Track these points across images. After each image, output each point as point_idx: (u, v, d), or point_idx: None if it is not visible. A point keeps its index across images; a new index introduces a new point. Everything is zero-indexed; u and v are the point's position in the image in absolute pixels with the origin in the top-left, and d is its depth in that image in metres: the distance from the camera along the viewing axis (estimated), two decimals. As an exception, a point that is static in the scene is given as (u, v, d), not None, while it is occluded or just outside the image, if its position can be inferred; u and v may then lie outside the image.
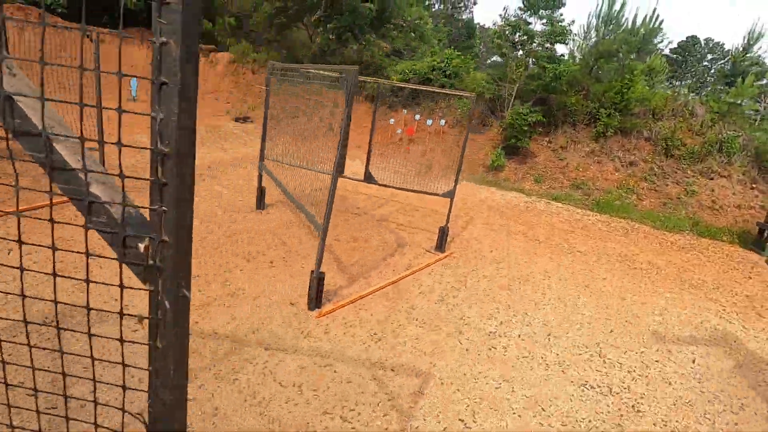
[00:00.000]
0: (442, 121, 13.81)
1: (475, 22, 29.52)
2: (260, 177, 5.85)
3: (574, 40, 11.65)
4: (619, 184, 11.06)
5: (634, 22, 11.60)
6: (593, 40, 12.32)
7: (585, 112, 12.38)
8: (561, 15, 10.89)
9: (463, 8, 35.47)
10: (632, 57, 11.68)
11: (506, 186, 10.91)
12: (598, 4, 13.30)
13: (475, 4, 35.58)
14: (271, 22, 17.26)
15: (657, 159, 11.35)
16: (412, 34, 17.12)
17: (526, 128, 11.60)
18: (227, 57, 20.86)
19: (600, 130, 11.99)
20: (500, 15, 10.72)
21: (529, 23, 11.30)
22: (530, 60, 11.59)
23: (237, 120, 14.80)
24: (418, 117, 14.37)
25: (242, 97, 18.33)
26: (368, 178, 5.56)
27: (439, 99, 15.20)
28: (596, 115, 12.15)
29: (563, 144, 12.38)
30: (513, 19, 11.30)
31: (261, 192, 5.80)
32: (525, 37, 11.31)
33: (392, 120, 14.45)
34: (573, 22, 10.67)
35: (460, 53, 15.40)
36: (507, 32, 11.10)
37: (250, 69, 19.84)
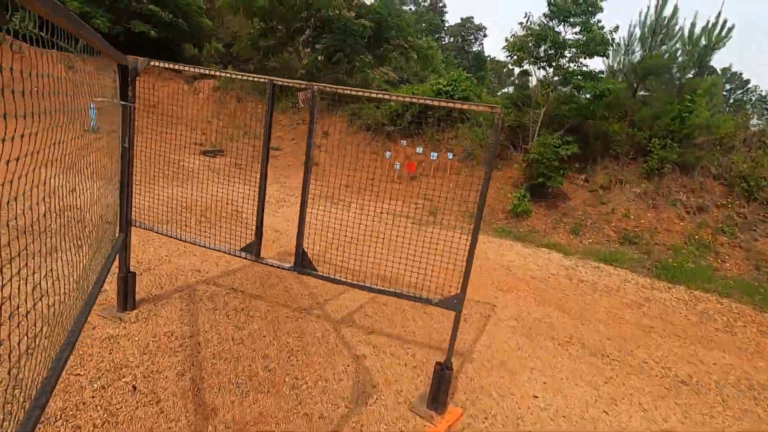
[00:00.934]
0: (450, 154, 11.40)
1: (486, 54, 28.13)
2: (123, 252, 3.40)
3: (616, 49, 9.30)
4: (687, 237, 8.34)
5: (692, 30, 9.23)
6: (637, 53, 9.94)
7: (631, 142, 9.87)
8: (599, 22, 8.71)
9: (473, 40, 34.37)
10: (691, 74, 9.23)
11: (535, 239, 8.28)
12: (642, 12, 11.16)
13: (485, 36, 34.48)
14: (257, 45, 15.50)
15: (735, 203, 8.65)
16: (415, 56, 15.14)
17: (556, 163, 9.11)
18: (211, 84, 19.32)
19: (653, 165, 9.41)
20: (520, 23, 8.86)
21: (558, 32, 9.06)
22: (558, 78, 9.26)
23: (206, 153, 12.70)
24: (420, 150, 12.02)
25: (221, 127, 16.42)
26: (302, 262, 3.04)
27: (445, 127, 12.91)
28: (647, 147, 9.62)
29: (605, 183, 9.80)
30: (536, 27, 9.09)
31: (126, 279, 3.37)
32: (552, 51, 9.02)
33: (389, 153, 12.11)
34: (617, 27, 8.25)
35: (470, 75, 13.26)
36: (530, 44, 8.84)
37: (236, 96, 18.11)
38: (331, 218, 4.16)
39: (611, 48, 8.89)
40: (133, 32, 16.38)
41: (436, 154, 11.44)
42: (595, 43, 8.56)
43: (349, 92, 2.83)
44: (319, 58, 13.88)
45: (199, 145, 14.41)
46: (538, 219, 9.22)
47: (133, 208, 3.37)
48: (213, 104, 18.56)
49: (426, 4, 41.65)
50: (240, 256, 3.17)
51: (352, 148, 13.71)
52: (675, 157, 9.17)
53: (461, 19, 34.46)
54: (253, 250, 3.12)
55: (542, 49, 9.09)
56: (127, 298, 3.40)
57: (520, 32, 9.44)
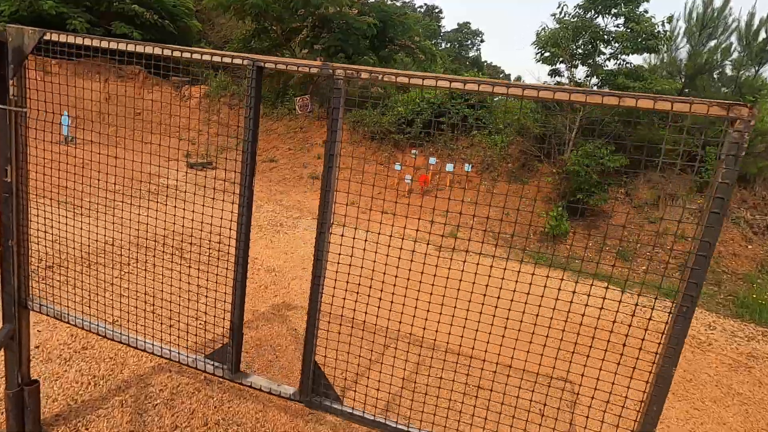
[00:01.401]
0: (468, 166, 10.17)
1: (483, 59, 27.35)
2: (10, 355, 2.13)
3: (667, 44, 8.12)
4: (759, 264, 7.11)
5: (749, 22, 8.09)
6: (681, 49, 8.78)
7: (678, 151, 8.68)
8: (646, 12, 7.56)
9: (470, 46, 33.70)
10: (750, 72, 8.07)
11: (577, 267, 6.99)
12: (687, 2, 10.05)
13: (482, 41, 33.72)
14: (249, 48, 14.34)
15: (812, 222, 7.45)
16: (422, 56, 13.98)
17: (595, 177, 7.89)
18: (202, 91, 18.15)
19: (708, 177, 8.20)
20: (553, 15, 7.90)
21: (597, 25, 7.90)
22: (598, 78, 8.08)
23: (193, 166, 11.44)
24: (433, 161, 10.79)
25: (212, 136, 15.18)
26: (313, 385, 1.76)
27: (459, 135, 11.71)
28: (698, 156, 8.43)
29: (651, 198, 8.58)
30: (573, 19, 7.91)
31: (21, 397, 2.13)
32: (590, 46, 7.85)
33: (398, 165, 10.87)
34: (671, 17, 7.04)
35: (486, 74, 12.09)
36: (565, 38, 7.68)
37: (227, 103, 16.92)
38: (341, 248, 2.89)
39: (663, 42, 7.73)
40: (115, 35, 15.23)
41: (452, 166, 10.21)
42: (646, 36, 7.39)
43: (388, 77, 1.57)
44: (319, 59, 12.71)
45: (186, 156, 13.19)
46: (577, 242, 7.98)
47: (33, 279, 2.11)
48: (203, 112, 17.41)
49: (422, 9, 40.94)
50: (207, 372, 1.90)
51: (356, 159, 12.51)
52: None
53: (458, 24, 33.75)
54: (228, 358, 1.85)
55: (580, 43, 7.92)
56: (24, 426, 2.12)
57: (551, 25, 8.27)
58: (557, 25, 7.68)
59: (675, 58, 8.73)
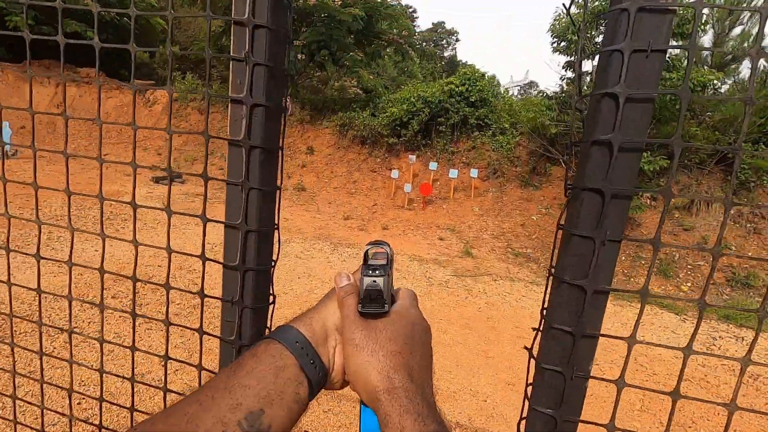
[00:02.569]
0: (474, 171, 9.41)
1: (459, 58, 27.17)
2: None
3: (702, 29, 7.53)
4: (813, 274, 6.52)
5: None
6: (704, 37, 8.25)
7: (712, 150, 8.11)
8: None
9: (445, 45, 33.59)
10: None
11: (619, 293, 6.23)
12: None
13: (457, 41, 33.55)
14: (221, 45, 13.34)
15: None
16: (411, 51, 13.24)
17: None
18: (168, 95, 17.03)
19: (743, 177, 7.65)
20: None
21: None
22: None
23: (157, 181, 10.36)
24: (434, 166, 9.99)
25: (181, 145, 14.09)
26: None
27: (460, 137, 10.97)
28: (729, 154, 7.87)
29: (682, 202, 7.97)
30: (595, 2, 7.21)
31: None
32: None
33: (395, 173, 10.02)
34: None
35: (485, 72, 11.42)
36: (589, 22, 7.02)
37: (197, 108, 15.83)
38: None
39: (701, 27, 7.15)
40: (66, 34, 14.01)
41: (456, 172, 9.44)
42: (678, 21, 6.80)
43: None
44: (300, 56, 11.83)
45: (150, 168, 12.07)
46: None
47: None
48: (172, 118, 16.26)
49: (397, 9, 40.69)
50: None
51: (345, 166, 11.64)
52: (772, 165, 7.44)
53: (432, 24, 33.56)
54: None
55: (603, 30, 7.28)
56: None
57: (568, 10, 7.59)
58: (576, 11, 7.01)
59: (699, 45, 8.20)
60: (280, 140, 0.70)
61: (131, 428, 0.41)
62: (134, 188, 0.76)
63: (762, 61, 8.12)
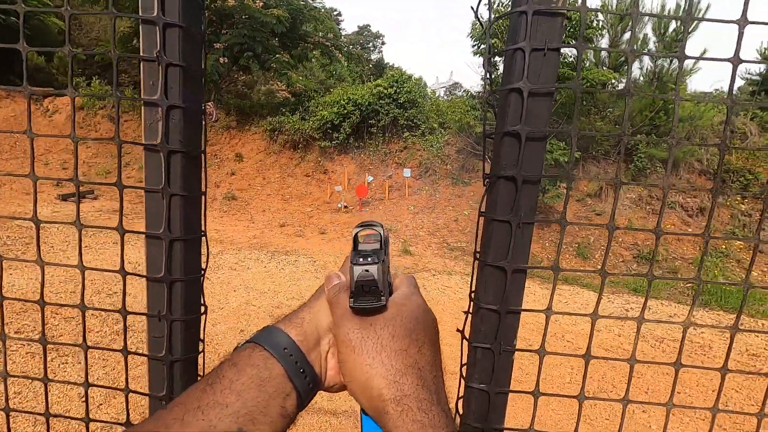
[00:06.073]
0: (407, 171, 9.64)
1: (386, 61, 27.81)
2: None
3: (599, 32, 8.36)
4: (701, 246, 7.53)
5: (660, 14, 8.69)
6: (602, 41, 9.22)
7: (614, 141, 9.06)
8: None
9: (372, 48, 34.21)
10: (666, 63, 8.65)
11: (542, 274, 6.75)
12: None
13: (383, 44, 34.29)
14: (131, 47, 12.34)
15: (735, 201, 8.14)
16: (338, 54, 13.27)
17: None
18: (70, 103, 15.42)
19: (641, 164, 8.65)
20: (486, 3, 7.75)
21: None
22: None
23: (65, 198, 9.34)
24: (370, 179, 10.06)
25: (91, 157, 12.81)
26: None
27: (391, 138, 11.19)
28: (628, 144, 8.85)
29: (592, 190, 8.81)
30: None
31: None
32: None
33: (339, 188, 9.85)
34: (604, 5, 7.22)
35: (411, 74, 11.76)
36: (489, 20, 7.49)
37: (107, 116, 14.50)
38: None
39: (597, 32, 7.94)
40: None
41: (409, 171, 9.59)
42: (579, 25, 7.52)
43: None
44: (222, 60, 11.32)
45: (55, 185, 10.84)
46: (534, 243, 7.83)
47: None
48: (78, 129, 14.73)
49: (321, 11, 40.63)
50: None
51: (277, 172, 11.33)
52: (664, 154, 8.49)
53: (358, 27, 33.89)
54: None
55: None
56: None
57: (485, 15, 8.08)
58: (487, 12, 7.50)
59: (598, 51, 9.13)
60: (202, 143, 0.68)
61: None
62: (35, 200, 0.69)
63: (648, 62, 9.26)
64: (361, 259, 0.44)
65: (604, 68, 8.48)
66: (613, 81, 8.61)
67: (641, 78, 8.92)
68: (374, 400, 0.40)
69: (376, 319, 0.43)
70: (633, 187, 8.63)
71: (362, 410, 0.43)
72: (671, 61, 8.82)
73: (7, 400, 0.77)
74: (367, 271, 0.43)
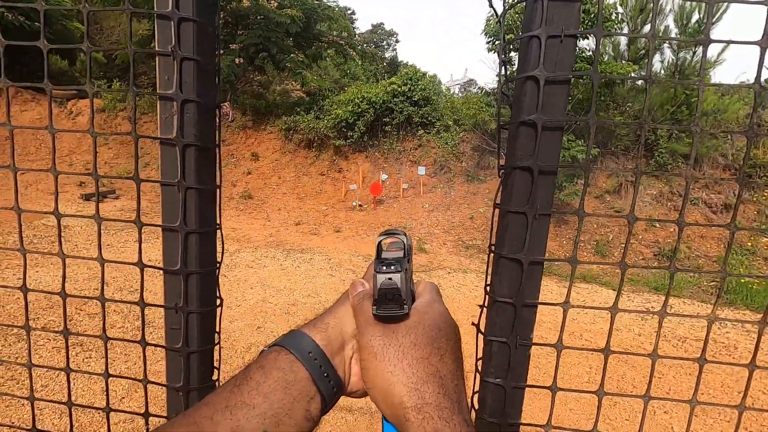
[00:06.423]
0: (422, 169, 9.60)
1: (400, 59, 27.70)
2: None
3: (619, 25, 8.17)
4: (725, 243, 7.30)
5: (682, 5, 8.44)
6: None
7: (631, 135, 8.85)
8: (590, -6, 7.54)
9: (386, 47, 34.09)
10: (689, 55, 8.41)
11: (560, 271, 6.65)
12: None
13: (397, 42, 34.15)
14: (149, 49, 12.56)
15: (761, 197, 7.87)
16: (353, 52, 13.29)
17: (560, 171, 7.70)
18: (95, 105, 15.80)
19: (662, 160, 8.42)
20: None
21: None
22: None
23: (88, 198, 9.61)
24: (385, 177, 10.08)
25: (112, 158, 13.15)
26: None
27: (405, 136, 11.16)
28: (649, 139, 8.63)
29: (611, 186, 8.63)
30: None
31: None
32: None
33: (354, 186, 9.90)
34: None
35: (425, 72, 11.70)
36: (503, 7, 7.38)
37: (128, 118, 14.84)
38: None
39: (616, 25, 7.77)
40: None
41: (423, 169, 9.58)
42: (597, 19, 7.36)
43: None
44: (238, 60, 11.45)
45: (78, 185, 11.16)
46: (552, 241, 7.72)
47: None
48: (98, 130, 15.11)
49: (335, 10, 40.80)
50: None
51: (292, 171, 11.43)
52: (686, 149, 8.25)
53: (372, 25, 33.89)
54: None
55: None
56: None
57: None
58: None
59: (617, 43, 8.92)
60: (216, 137, 0.68)
61: None
62: (56, 195, 0.70)
63: (670, 55, 9.01)
64: (384, 267, 0.44)
65: (623, 61, 8.28)
66: (633, 74, 8.41)
67: (662, 71, 8.68)
68: (395, 407, 0.40)
69: (398, 327, 0.43)
70: (654, 183, 8.42)
71: (384, 417, 0.44)
72: (694, 54, 8.56)
73: (32, 390, 0.80)
74: (390, 279, 0.43)
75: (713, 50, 9.60)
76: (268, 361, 0.42)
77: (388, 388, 0.41)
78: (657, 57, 8.62)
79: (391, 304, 0.43)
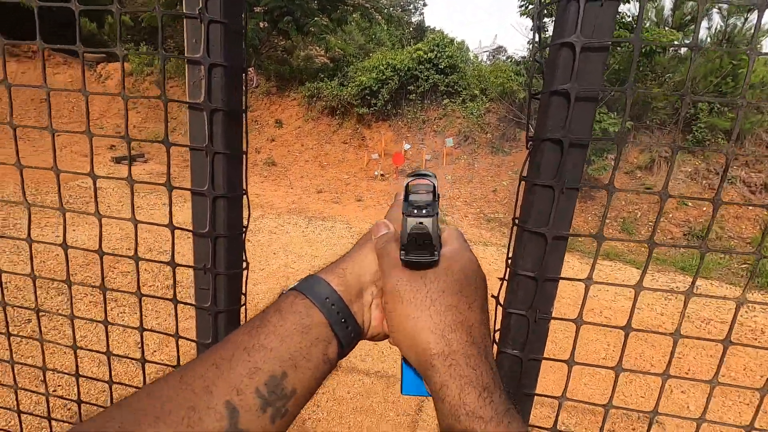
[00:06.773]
0: (449, 140, 9.43)
1: (427, 24, 26.53)
2: None
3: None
4: (763, 225, 7.00)
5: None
6: (667, -2, 8.39)
7: (668, 109, 8.39)
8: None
9: (413, 11, 32.73)
10: (739, 21, 7.79)
11: (583, 247, 6.54)
12: None
13: (425, 5, 32.67)
14: (173, 15, 12.49)
15: (806, 177, 7.43)
16: (378, 17, 12.87)
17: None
18: (122, 62, 16.01)
19: (701, 135, 8.00)
20: None
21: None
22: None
23: (118, 161, 9.90)
24: (407, 147, 9.94)
25: (141, 122, 13.41)
26: None
27: (429, 105, 10.91)
28: (688, 113, 8.18)
29: (643, 162, 8.29)
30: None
31: None
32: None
33: (375, 155, 9.84)
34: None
35: (453, 38, 11.27)
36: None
37: (156, 82, 14.99)
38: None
39: None
40: (-1, 3, 12.77)
41: (451, 140, 9.44)
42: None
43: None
44: (262, 24, 11.28)
45: (109, 148, 11.49)
46: (577, 216, 7.55)
47: None
48: (127, 94, 15.36)
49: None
50: None
51: (315, 139, 11.42)
52: (727, 124, 7.79)
53: None
54: None
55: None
56: None
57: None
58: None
59: (661, 8, 8.33)
60: (243, 102, 0.69)
61: (144, 386, 0.37)
62: (91, 156, 0.73)
63: (718, 21, 8.37)
64: (415, 211, 0.42)
65: (666, 28, 7.75)
66: (676, 42, 7.89)
67: (708, 39, 8.09)
68: (420, 353, 0.40)
69: (426, 273, 0.42)
70: (689, 159, 8.04)
71: (403, 360, 0.43)
72: (745, 20, 7.93)
73: (74, 339, 0.86)
74: (421, 223, 0.41)
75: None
76: (285, 305, 0.42)
77: (414, 333, 0.40)
78: (704, 23, 8.03)
79: (421, 250, 0.41)
